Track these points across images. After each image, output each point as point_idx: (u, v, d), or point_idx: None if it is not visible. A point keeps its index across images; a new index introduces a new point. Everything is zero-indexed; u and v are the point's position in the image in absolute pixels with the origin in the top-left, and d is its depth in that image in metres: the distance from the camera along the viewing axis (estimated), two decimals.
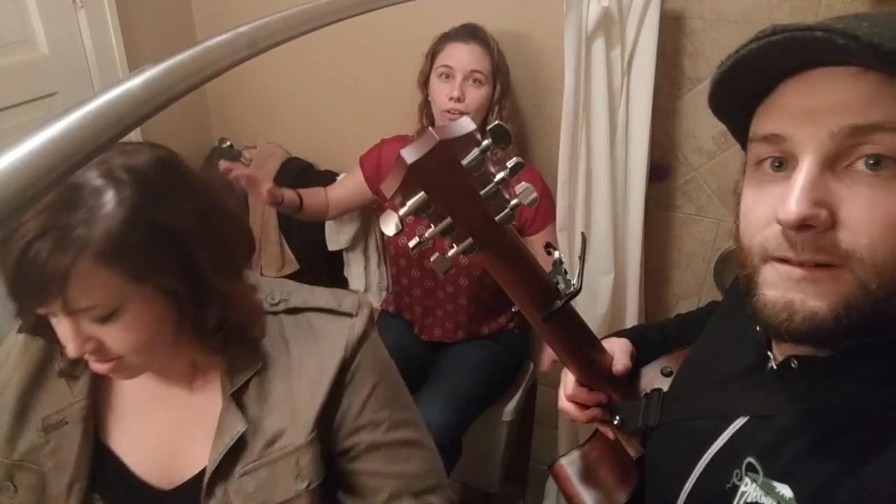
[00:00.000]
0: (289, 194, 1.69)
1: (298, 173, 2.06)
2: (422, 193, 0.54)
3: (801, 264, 0.51)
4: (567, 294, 0.68)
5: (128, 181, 0.66)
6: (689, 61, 1.54)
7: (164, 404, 0.82)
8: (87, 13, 1.73)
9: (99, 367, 0.71)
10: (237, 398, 0.79)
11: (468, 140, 0.54)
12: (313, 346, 0.83)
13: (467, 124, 0.55)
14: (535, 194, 0.59)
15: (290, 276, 2.15)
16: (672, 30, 1.50)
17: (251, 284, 0.84)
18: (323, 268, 2.14)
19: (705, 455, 0.66)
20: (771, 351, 0.64)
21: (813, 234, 0.49)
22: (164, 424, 0.82)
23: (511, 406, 1.87)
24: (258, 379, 0.80)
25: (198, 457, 0.80)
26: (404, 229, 0.57)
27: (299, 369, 0.81)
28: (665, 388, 0.82)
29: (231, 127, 2.22)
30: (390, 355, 1.69)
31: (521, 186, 0.59)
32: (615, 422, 0.83)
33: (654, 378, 0.86)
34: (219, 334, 0.77)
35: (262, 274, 2.16)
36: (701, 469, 0.66)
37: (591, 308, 1.68)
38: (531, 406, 2.05)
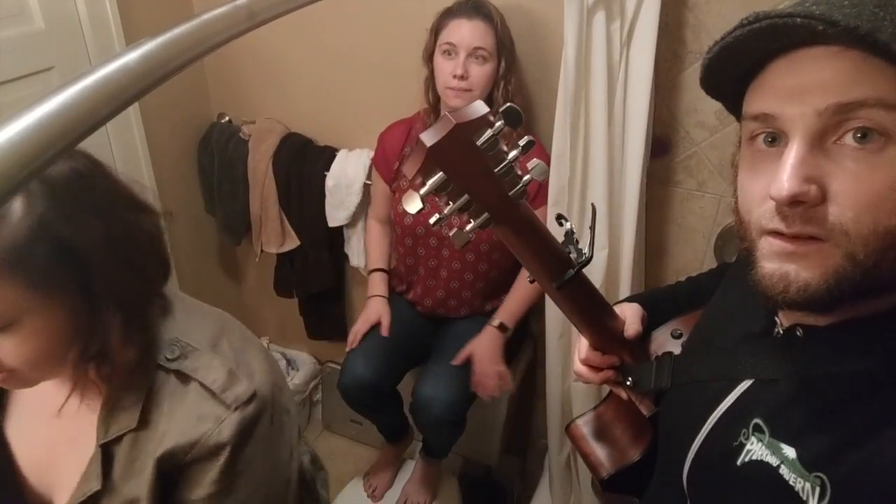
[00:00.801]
0: (382, 286, 1.90)
1: (298, 149, 2.05)
2: (440, 173, 0.59)
3: (793, 238, 0.54)
4: (579, 263, 0.73)
5: (39, 192, 0.64)
6: (691, 34, 1.52)
7: (52, 412, 0.79)
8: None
9: None
10: (108, 448, 0.77)
11: (482, 122, 0.59)
12: (181, 422, 0.77)
13: (480, 107, 0.60)
14: (546, 170, 0.64)
15: (290, 252, 2.15)
16: (674, 2, 1.48)
17: (151, 325, 0.79)
18: (324, 244, 2.14)
19: (714, 414, 0.69)
20: (778, 317, 0.67)
21: (804, 208, 0.52)
22: (48, 434, 0.81)
23: (512, 382, 1.88)
24: (132, 436, 0.77)
25: (63, 487, 0.79)
26: (426, 206, 0.62)
27: (165, 439, 0.77)
28: (676, 350, 0.85)
29: (230, 102, 2.20)
30: (395, 331, 1.68)
31: (533, 163, 0.64)
32: (628, 383, 0.86)
33: (666, 341, 0.89)
34: (102, 366, 0.75)
35: (262, 250, 2.16)
36: (709, 427, 0.69)
37: None
38: (531, 381, 2.07)
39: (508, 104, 0.61)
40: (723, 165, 1.63)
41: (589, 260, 0.73)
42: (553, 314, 1.76)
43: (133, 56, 0.28)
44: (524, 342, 1.98)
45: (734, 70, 0.59)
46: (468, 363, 1.72)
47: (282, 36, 1.98)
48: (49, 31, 1.67)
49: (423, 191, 0.60)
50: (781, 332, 0.65)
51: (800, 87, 0.53)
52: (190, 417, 0.78)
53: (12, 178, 0.23)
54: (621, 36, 1.45)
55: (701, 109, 1.59)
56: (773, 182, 0.53)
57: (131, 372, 0.77)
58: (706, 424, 0.70)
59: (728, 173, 1.62)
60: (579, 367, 0.91)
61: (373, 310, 1.84)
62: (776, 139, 0.56)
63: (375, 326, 1.83)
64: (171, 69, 0.29)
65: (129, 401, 0.77)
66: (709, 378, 0.73)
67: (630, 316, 0.89)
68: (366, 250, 1.98)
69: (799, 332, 0.63)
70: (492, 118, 0.60)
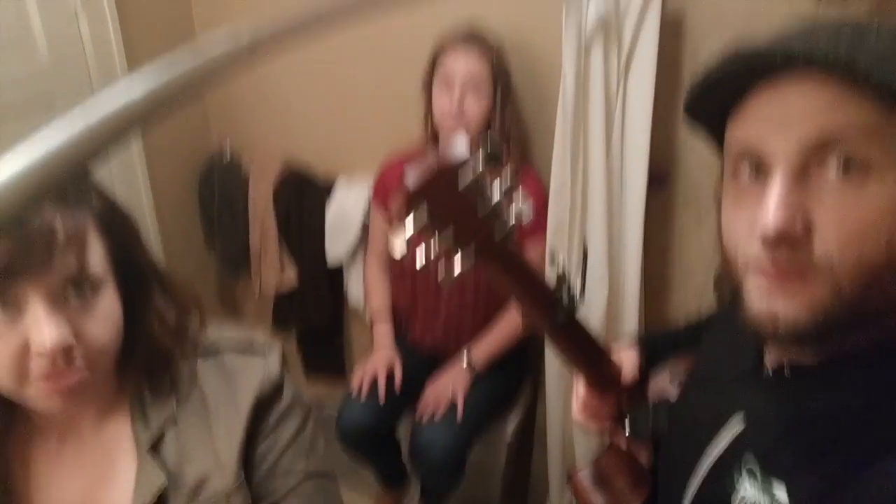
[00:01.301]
0: (389, 338, 1.83)
1: (298, 183, 2.06)
2: (424, 215, 0.61)
3: (778, 275, 0.53)
4: (569, 309, 0.73)
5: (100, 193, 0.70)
6: (688, 66, 1.53)
7: (75, 467, 0.76)
8: (87, 19, 1.73)
9: (67, 380, 0.64)
10: (153, 450, 0.74)
11: (465, 164, 0.61)
12: (227, 387, 0.79)
13: (462, 150, 0.62)
14: (529, 212, 0.65)
15: (289, 294, 2.14)
16: (672, 35, 1.50)
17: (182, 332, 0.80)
18: (323, 280, 2.13)
19: (707, 458, 0.68)
20: (765, 356, 0.66)
21: (790, 243, 0.52)
22: (79, 490, 0.75)
23: (511, 426, 1.85)
24: (173, 428, 0.76)
25: None
26: (411, 250, 0.63)
27: (216, 412, 0.77)
28: (674, 393, 0.85)
29: (231, 134, 2.21)
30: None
31: (519, 204, 0.65)
32: (626, 431, 0.86)
33: (664, 387, 0.89)
34: (137, 369, 0.74)
35: (260, 290, 2.14)
36: (704, 472, 0.68)
37: (585, 320, 1.66)
38: (531, 426, 2.03)
39: (489, 149, 0.62)
40: (714, 199, 1.62)
41: (577, 307, 0.74)
42: (552, 355, 1.73)
43: (136, 93, 0.28)
44: (523, 383, 1.95)
45: (716, 101, 0.59)
46: (467, 407, 1.68)
47: (283, 65, 1.99)
48: (54, 63, 1.68)
49: (406, 235, 0.62)
50: (770, 372, 0.65)
51: (782, 119, 0.53)
52: (233, 381, 0.79)
53: (13, 209, 0.23)
54: (619, 68, 1.47)
55: (699, 142, 1.59)
56: (759, 218, 0.52)
57: (155, 371, 0.76)
58: (701, 468, 0.69)
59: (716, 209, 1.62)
60: (577, 415, 0.90)
61: (384, 357, 1.77)
62: (759, 172, 0.55)
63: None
64: (173, 104, 0.29)
65: (159, 400, 0.76)
66: (700, 421, 0.72)
67: (626, 363, 0.88)
68: (367, 296, 1.94)
69: (786, 372, 0.62)
70: (474, 160, 0.62)
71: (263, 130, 2.15)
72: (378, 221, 1.84)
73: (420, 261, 0.64)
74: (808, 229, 0.51)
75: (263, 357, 0.81)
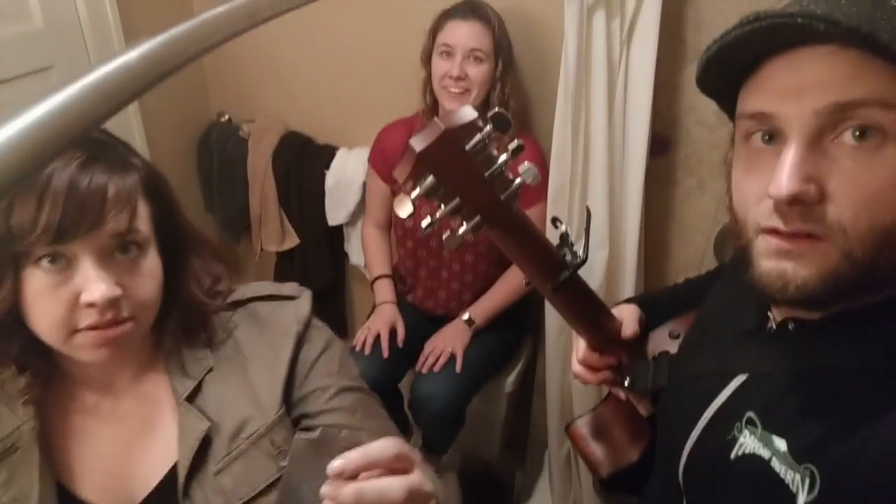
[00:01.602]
0: (390, 292, 1.85)
1: (297, 147, 2.05)
2: (431, 178, 0.60)
3: (791, 236, 0.54)
4: (573, 265, 0.73)
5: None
6: (691, 32, 1.52)
7: (112, 421, 0.78)
8: None
9: (112, 332, 0.68)
10: (191, 401, 0.78)
11: (471, 127, 0.60)
12: (262, 332, 0.83)
13: (469, 113, 0.61)
14: (537, 173, 0.64)
15: (290, 251, 2.15)
16: (674, 1, 1.48)
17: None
18: (324, 242, 2.14)
19: (708, 410, 0.69)
20: (771, 312, 0.67)
21: (802, 207, 0.52)
22: (116, 443, 0.78)
23: (512, 378, 1.89)
24: (210, 377, 0.79)
25: (156, 470, 0.77)
26: (416, 211, 0.62)
27: (252, 358, 0.81)
28: (673, 350, 0.86)
29: (229, 100, 2.20)
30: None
31: (524, 166, 0.64)
32: (625, 383, 0.87)
33: (663, 341, 0.90)
34: (175, 324, 0.78)
35: (262, 249, 2.16)
36: (704, 423, 0.70)
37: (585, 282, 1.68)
38: (531, 378, 2.07)
39: (497, 109, 0.62)
40: (722, 164, 1.62)
41: (583, 262, 0.74)
42: (552, 313, 1.76)
43: (133, 55, 0.28)
44: (524, 339, 1.99)
45: (731, 68, 0.59)
46: (465, 359, 1.73)
47: (282, 34, 1.98)
48: (48, 30, 1.66)
49: (413, 195, 0.61)
50: (774, 326, 0.66)
51: (798, 86, 0.53)
52: (268, 325, 0.83)
53: (11, 178, 0.23)
54: (621, 33, 1.45)
55: (701, 108, 1.59)
56: (771, 181, 0.53)
57: (191, 326, 0.79)
58: (701, 420, 0.70)
59: (725, 172, 1.62)
60: (577, 367, 0.91)
61: (386, 315, 1.81)
62: (773, 137, 0.56)
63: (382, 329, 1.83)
64: (171, 68, 0.29)
65: (194, 354, 0.80)
66: (703, 374, 0.73)
67: (627, 317, 0.89)
68: (366, 258, 1.96)
69: (790, 326, 0.63)
70: (481, 123, 0.61)
71: (263, 100, 2.14)
72: (376, 184, 1.84)
73: (426, 221, 0.64)
74: (822, 194, 0.52)
75: (294, 300, 0.85)
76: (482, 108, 1.59)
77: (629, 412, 0.91)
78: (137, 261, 0.70)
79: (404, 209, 0.63)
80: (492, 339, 1.81)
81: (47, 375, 0.74)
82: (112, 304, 0.66)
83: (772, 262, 0.55)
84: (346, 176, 1.97)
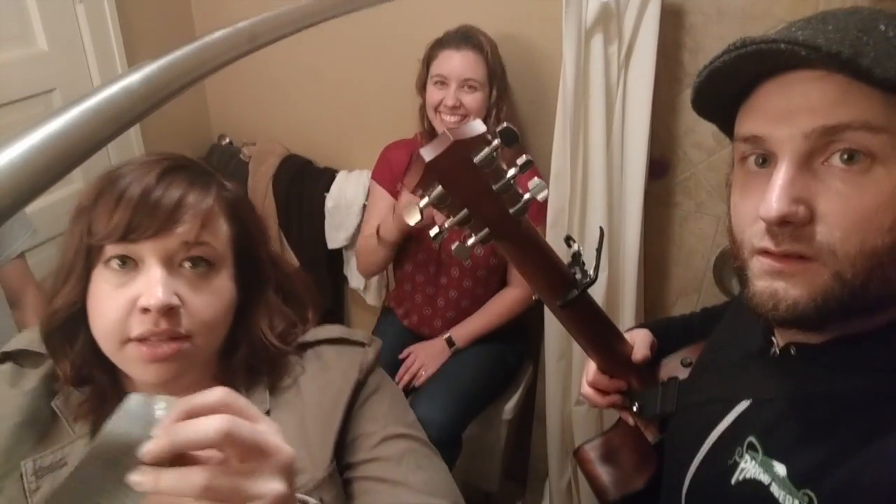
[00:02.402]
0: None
1: (297, 171, 2.06)
2: (439, 187, 0.61)
3: (782, 257, 0.55)
4: (583, 284, 0.74)
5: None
6: (689, 56, 1.53)
7: None
8: (85, 8, 1.73)
9: (163, 348, 0.65)
10: None
11: (480, 140, 0.61)
12: (325, 377, 0.79)
13: (478, 126, 0.62)
14: (546, 190, 0.66)
15: None
16: (672, 25, 1.50)
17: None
18: (323, 265, 2.14)
19: (711, 434, 0.70)
20: (774, 337, 0.67)
21: (792, 228, 0.53)
22: None
23: (511, 404, 1.87)
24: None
25: None
26: (425, 219, 0.64)
27: (311, 405, 0.77)
28: (683, 377, 0.85)
29: (230, 123, 2.22)
30: (392, 352, 1.66)
31: (533, 182, 0.66)
32: (634, 408, 0.87)
33: (674, 368, 0.90)
34: (236, 363, 0.75)
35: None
36: (707, 448, 0.70)
37: None
38: (531, 404, 2.05)
39: (505, 124, 0.62)
40: (721, 187, 1.63)
41: (593, 281, 0.74)
42: (552, 337, 1.75)
43: (135, 78, 0.28)
44: (523, 364, 1.97)
45: (725, 92, 0.60)
46: (463, 383, 1.72)
47: (282, 58, 1.99)
48: (52, 53, 1.68)
49: (422, 203, 0.62)
50: (777, 351, 0.66)
51: (787, 110, 0.54)
52: (332, 370, 0.79)
53: (15, 198, 0.23)
54: (619, 58, 1.47)
55: (698, 131, 1.60)
56: (762, 202, 0.54)
57: (253, 366, 0.76)
58: (704, 445, 0.70)
59: (725, 194, 1.63)
60: (586, 389, 0.91)
61: (386, 212, 1.71)
62: (766, 160, 0.57)
63: (383, 352, 1.80)
64: (173, 91, 0.29)
65: (253, 392, 0.76)
66: (708, 399, 0.73)
67: (639, 341, 0.89)
68: (360, 248, 1.86)
69: (792, 351, 0.64)
70: (489, 137, 0.62)
71: (263, 123, 2.15)
72: (380, 198, 1.80)
73: (434, 231, 0.65)
74: (812, 215, 0.52)
75: (362, 346, 0.82)
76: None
77: (638, 439, 0.91)
78: (206, 277, 0.69)
79: (412, 217, 0.64)
80: (490, 363, 1.79)
81: (103, 392, 0.71)
82: (167, 313, 0.65)
83: (764, 281, 0.56)
84: (346, 199, 1.98)
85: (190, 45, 0.31)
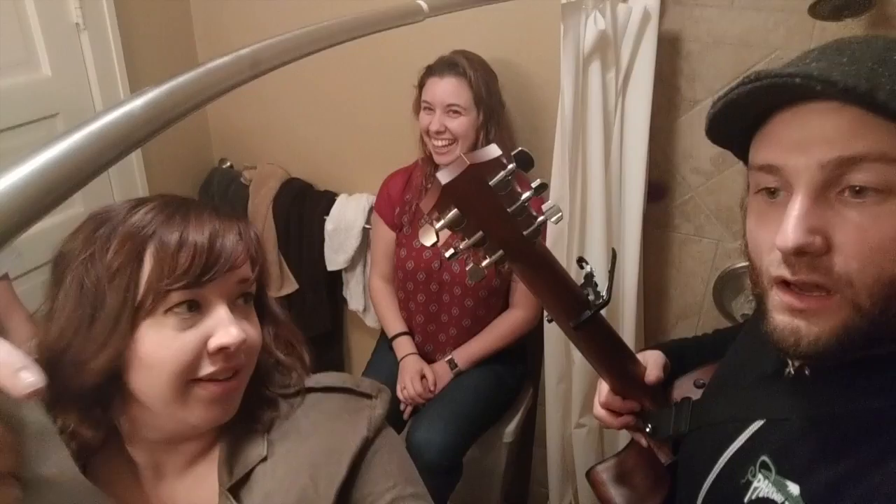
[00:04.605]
0: (411, 346, 1.83)
1: (297, 193, 2.07)
2: (455, 210, 0.62)
3: (800, 291, 0.55)
4: (595, 305, 0.75)
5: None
6: (685, 83, 1.55)
7: (148, 490, 0.73)
8: (89, 35, 1.75)
9: (232, 383, 0.68)
10: (235, 492, 0.71)
11: (495, 164, 0.63)
12: (330, 426, 0.76)
13: (494, 150, 0.64)
14: (560, 213, 0.67)
15: (289, 296, 2.15)
16: (669, 52, 1.51)
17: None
18: (322, 288, 2.14)
19: (725, 453, 0.70)
20: (789, 358, 0.67)
21: (809, 258, 0.53)
22: None
23: (511, 427, 1.86)
24: (262, 468, 0.73)
25: None
26: (440, 241, 0.65)
27: (312, 453, 0.74)
28: (696, 398, 0.86)
29: (231, 148, 2.23)
30: (391, 376, 1.66)
31: (548, 205, 0.67)
32: (647, 429, 0.87)
33: (687, 390, 0.90)
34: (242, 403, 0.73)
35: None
36: (721, 466, 0.70)
37: None
38: (531, 427, 2.04)
39: (520, 148, 0.64)
40: (719, 210, 1.64)
41: (606, 302, 0.75)
42: (552, 359, 1.74)
43: (137, 103, 0.28)
44: (523, 386, 1.96)
45: (740, 121, 0.60)
46: (463, 406, 1.72)
47: (283, 84, 2.01)
48: (55, 79, 1.70)
49: (438, 225, 0.63)
50: (792, 372, 0.67)
51: (803, 141, 0.54)
52: (338, 421, 0.77)
53: (17, 222, 0.23)
54: (617, 84, 1.48)
55: (696, 155, 1.61)
56: (778, 233, 0.54)
57: (255, 408, 0.76)
58: (718, 463, 0.70)
59: (725, 218, 1.64)
60: (599, 410, 0.91)
61: (412, 367, 1.79)
62: (781, 190, 0.57)
63: (381, 377, 1.81)
64: (175, 116, 0.30)
65: (250, 439, 0.74)
66: (722, 420, 0.74)
67: (652, 362, 0.89)
68: (379, 315, 1.95)
69: (807, 372, 0.64)
70: (504, 161, 0.63)
71: (264, 147, 2.16)
72: (382, 232, 1.85)
73: (449, 252, 0.66)
74: (828, 246, 0.52)
75: (370, 398, 0.80)
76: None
77: (650, 460, 0.91)
78: (249, 309, 0.72)
79: (429, 239, 0.65)
80: (490, 385, 1.79)
81: (99, 434, 0.69)
82: (239, 349, 0.67)
83: (785, 317, 0.57)
84: (346, 221, 1.98)
85: (192, 72, 0.31)
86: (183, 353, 0.64)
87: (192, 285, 0.64)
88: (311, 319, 2.17)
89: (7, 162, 0.24)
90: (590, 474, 0.98)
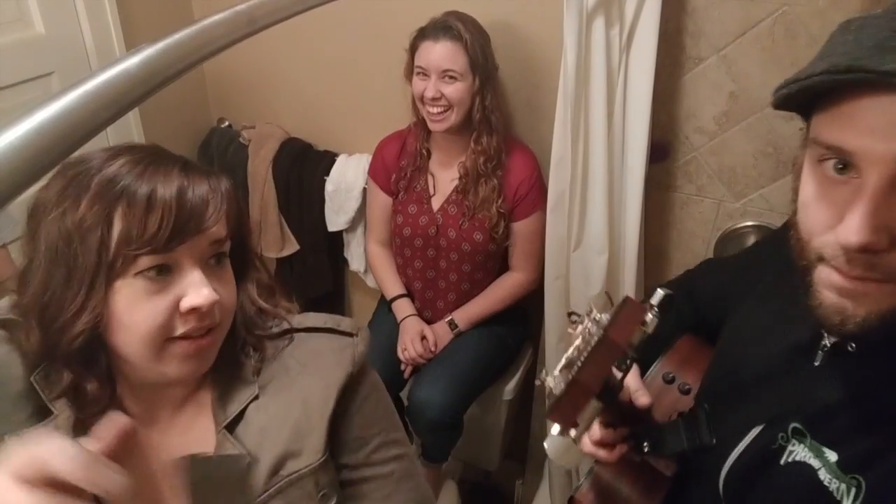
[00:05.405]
0: (410, 307, 1.85)
1: (297, 154, 2.05)
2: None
3: (850, 277, 0.53)
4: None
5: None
6: (690, 40, 1.52)
7: (145, 437, 0.75)
8: None
9: (206, 339, 0.69)
10: (231, 429, 0.74)
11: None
12: (315, 364, 0.80)
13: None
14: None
15: (290, 257, 2.15)
16: (674, 8, 1.48)
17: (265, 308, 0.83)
18: (323, 248, 2.14)
19: (754, 429, 0.71)
20: (833, 334, 0.66)
21: (869, 255, 0.51)
22: (151, 472, 0.74)
23: (511, 385, 1.89)
24: (255, 406, 0.76)
25: None
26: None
27: (302, 391, 0.78)
28: (675, 394, 0.86)
29: (229, 107, 2.21)
30: (392, 337, 1.70)
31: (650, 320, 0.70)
32: (644, 448, 0.84)
33: (662, 390, 0.89)
34: (229, 347, 0.76)
35: (262, 255, 2.16)
36: (749, 440, 0.71)
37: (584, 289, 1.68)
38: (531, 385, 2.07)
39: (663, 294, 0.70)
40: (722, 170, 1.63)
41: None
42: (552, 318, 1.76)
43: (133, 61, 0.28)
44: (523, 346, 1.99)
45: (806, 95, 0.57)
46: (464, 365, 1.73)
47: (281, 41, 1.98)
48: (49, 37, 1.67)
49: (573, 433, 0.69)
50: (828, 345, 0.66)
51: (882, 127, 0.50)
52: (322, 358, 0.80)
53: (13, 182, 0.23)
54: (621, 41, 1.46)
55: (700, 115, 1.59)
56: (842, 225, 0.51)
57: (244, 350, 0.78)
58: (746, 437, 0.71)
59: (727, 178, 1.63)
60: (593, 449, 0.86)
61: (412, 327, 1.80)
62: (847, 168, 0.53)
63: (382, 338, 1.84)
64: (171, 74, 0.29)
65: (241, 380, 0.77)
66: (758, 417, 0.72)
67: (633, 383, 0.86)
68: (377, 279, 1.96)
69: (851, 348, 0.63)
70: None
71: (263, 107, 2.14)
72: (377, 197, 1.84)
73: (573, 432, 0.69)
74: (892, 242, 0.50)
75: (351, 337, 0.83)
76: (465, 122, 1.60)
77: (633, 466, 0.88)
78: (224, 267, 0.72)
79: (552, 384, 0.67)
80: (490, 345, 1.81)
81: (96, 391, 0.70)
82: (211, 309, 0.68)
83: (832, 295, 0.55)
84: (346, 182, 1.98)
85: (188, 29, 0.31)
86: (155, 315, 0.66)
87: (162, 250, 0.64)
88: (312, 280, 2.18)
89: (3, 122, 0.24)
90: (572, 503, 0.93)
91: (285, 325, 0.82)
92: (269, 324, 0.81)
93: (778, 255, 0.79)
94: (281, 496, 0.74)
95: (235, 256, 0.75)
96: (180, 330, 0.67)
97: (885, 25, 0.51)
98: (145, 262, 0.64)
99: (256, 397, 0.76)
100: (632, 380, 0.87)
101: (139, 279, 0.65)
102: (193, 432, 0.76)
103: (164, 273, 0.66)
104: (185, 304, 0.66)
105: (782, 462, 0.65)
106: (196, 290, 0.66)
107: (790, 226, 0.62)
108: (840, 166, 0.53)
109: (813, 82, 0.52)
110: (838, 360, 0.65)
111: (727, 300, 0.91)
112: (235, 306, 0.74)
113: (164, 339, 0.67)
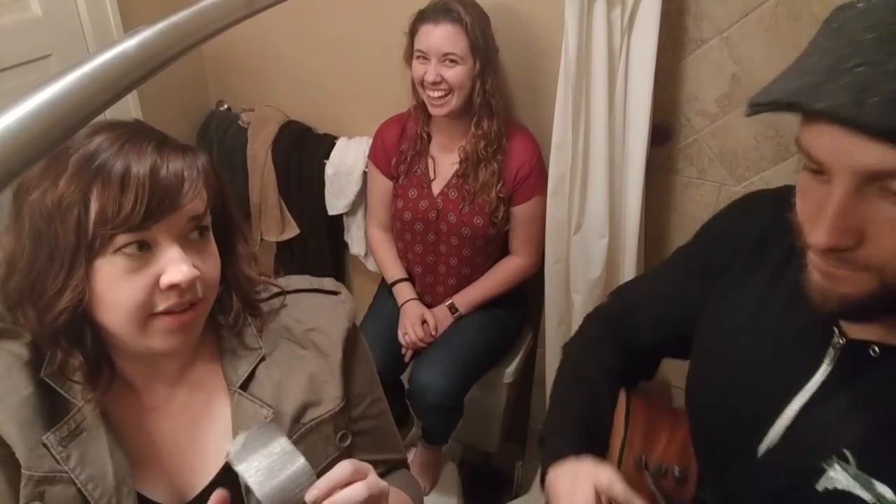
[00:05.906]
0: (411, 291, 1.84)
1: (297, 137, 2.05)
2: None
3: (827, 269, 0.58)
4: None
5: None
6: (692, 22, 1.51)
7: (167, 416, 0.78)
8: None
9: (189, 314, 0.70)
10: (245, 389, 0.78)
11: None
12: (315, 321, 0.84)
13: None
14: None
15: (290, 241, 2.15)
16: None
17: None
18: (323, 232, 2.14)
19: (792, 402, 0.70)
20: (837, 327, 0.68)
21: (839, 252, 0.55)
22: (172, 437, 0.77)
23: (511, 368, 1.89)
24: (264, 365, 0.79)
25: (214, 461, 0.77)
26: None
27: (308, 344, 0.82)
28: (652, 478, 0.87)
29: (228, 90, 2.20)
30: (392, 321, 1.73)
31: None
32: None
33: (644, 478, 0.89)
34: (225, 313, 0.79)
35: (262, 239, 2.16)
36: (787, 422, 0.70)
37: (585, 273, 1.68)
38: (531, 368, 2.08)
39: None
40: (723, 153, 1.62)
41: None
42: (552, 301, 1.76)
43: (131, 43, 0.27)
44: (523, 329, 1.99)
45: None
46: (464, 349, 1.74)
47: (280, 23, 1.97)
48: (47, 19, 1.66)
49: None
50: (841, 340, 0.67)
51: (834, 148, 0.54)
52: (319, 314, 0.85)
53: (10, 166, 0.23)
54: (622, 23, 1.44)
55: (701, 98, 1.58)
56: (813, 228, 0.56)
57: (242, 314, 0.81)
58: (783, 415, 0.70)
59: (729, 161, 1.62)
60: None
61: (413, 312, 1.80)
62: (821, 171, 0.57)
63: (383, 321, 1.84)
64: (170, 56, 0.29)
65: (245, 345, 0.80)
66: (764, 394, 0.73)
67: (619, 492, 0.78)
68: (378, 263, 1.96)
69: (874, 353, 0.64)
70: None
71: (262, 89, 2.13)
72: (377, 180, 1.84)
73: None
74: (860, 240, 0.54)
75: (337, 295, 0.88)
76: (465, 106, 1.59)
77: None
78: (206, 241, 0.73)
79: None
80: (491, 328, 1.81)
81: (96, 361, 0.72)
82: (191, 285, 0.68)
83: (817, 276, 0.60)
84: (346, 166, 1.97)
85: (186, 10, 0.30)
86: (135, 293, 0.66)
87: (137, 228, 0.65)
88: (312, 264, 2.18)
89: (0, 105, 0.23)
90: None
91: (274, 289, 0.85)
92: (257, 288, 0.84)
93: (744, 229, 0.83)
94: (303, 442, 0.78)
95: (218, 228, 0.76)
96: (161, 306, 0.68)
97: (859, 28, 0.53)
98: (122, 239, 0.65)
99: (263, 358, 0.80)
100: (617, 489, 0.76)
101: (118, 257, 0.65)
102: (210, 392, 0.79)
103: (144, 250, 0.66)
104: (165, 280, 0.66)
105: (820, 488, 0.63)
106: (175, 266, 0.67)
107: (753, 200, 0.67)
108: (815, 169, 0.58)
109: (768, 110, 0.57)
110: (864, 367, 0.65)
111: (689, 298, 0.90)
112: (219, 278, 0.75)
113: (146, 315, 0.68)
